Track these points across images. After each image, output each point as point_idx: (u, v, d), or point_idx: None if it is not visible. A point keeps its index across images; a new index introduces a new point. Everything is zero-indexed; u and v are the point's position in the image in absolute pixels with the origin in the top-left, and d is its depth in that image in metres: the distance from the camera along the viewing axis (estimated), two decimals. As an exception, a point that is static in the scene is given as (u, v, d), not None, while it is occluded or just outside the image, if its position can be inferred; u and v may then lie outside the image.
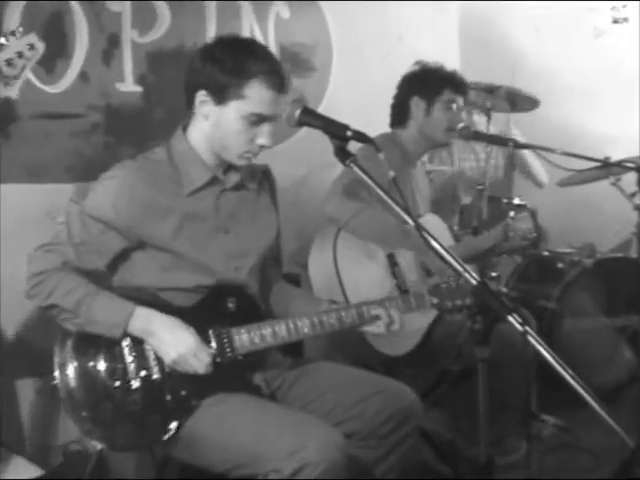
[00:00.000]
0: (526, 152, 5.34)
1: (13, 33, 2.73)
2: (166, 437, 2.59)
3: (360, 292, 3.30)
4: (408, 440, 2.83)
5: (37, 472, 3.43)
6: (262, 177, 3.03)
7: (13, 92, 2.70)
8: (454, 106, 3.90)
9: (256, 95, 2.63)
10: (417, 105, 3.92)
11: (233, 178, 2.85)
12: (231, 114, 2.66)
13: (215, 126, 2.70)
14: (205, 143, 2.76)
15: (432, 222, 3.89)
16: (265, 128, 2.68)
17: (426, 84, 3.92)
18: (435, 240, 2.18)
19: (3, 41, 2.69)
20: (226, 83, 2.63)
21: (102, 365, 2.59)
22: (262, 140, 2.70)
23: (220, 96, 2.65)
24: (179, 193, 2.73)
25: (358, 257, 3.57)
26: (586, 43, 5.90)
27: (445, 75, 3.93)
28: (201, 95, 2.68)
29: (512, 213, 4.07)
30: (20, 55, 2.73)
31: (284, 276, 3.30)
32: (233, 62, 2.63)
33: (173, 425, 2.59)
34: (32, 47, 2.78)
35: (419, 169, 4.15)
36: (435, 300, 2.98)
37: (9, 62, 2.68)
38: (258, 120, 2.66)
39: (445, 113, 3.89)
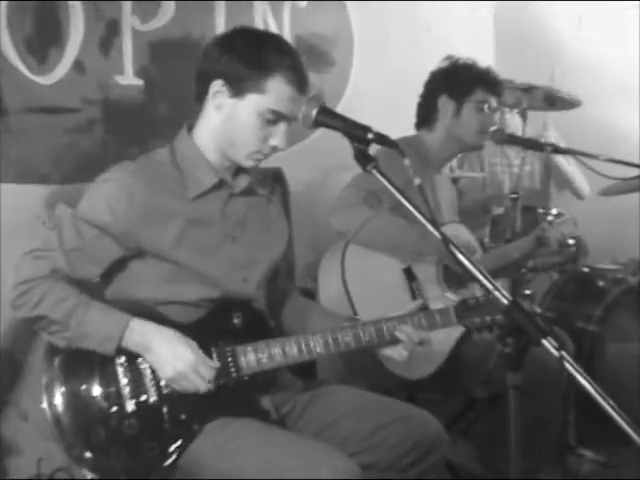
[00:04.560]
0: (564, 161, 5.34)
1: None
2: (165, 464, 2.59)
3: (373, 311, 3.30)
4: (432, 473, 2.83)
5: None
6: (273, 182, 3.04)
7: None
8: (486, 107, 3.90)
9: (277, 91, 2.65)
10: (445, 105, 3.92)
11: (242, 182, 2.87)
12: (247, 108, 2.68)
13: (227, 120, 2.72)
14: (213, 141, 2.77)
15: (457, 232, 3.88)
16: (280, 128, 2.71)
17: (456, 82, 3.90)
18: (462, 253, 2.19)
19: None
20: (246, 74, 2.65)
21: (93, 387, 2.59)
22: (275, 141, 2.72)
23: (238, 88, 2.67)
24: (183, 197, 2.75)
25: (369, 272, 3.57)
26: (634, 38, 5.89)
27: (478, 73, 3.92)
28: (217, 85, 2.69)
29: (550, 217, 4.08)
30: None
31: (305, 292, 3.31)
32: (256, 53, 2.66)
33: (173, 448, 2.60)
34: None
35: (444, 175, 4.15)
36: (462, 317, 2.99)
37: None
38: (274, 118, 2.68)
39: (476, 115, 3.89)
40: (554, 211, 4.28)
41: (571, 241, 4.32)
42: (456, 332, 3.62)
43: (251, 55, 2.66)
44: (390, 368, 3.43)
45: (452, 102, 3.90)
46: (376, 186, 3.46)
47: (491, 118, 3.94)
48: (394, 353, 2.93)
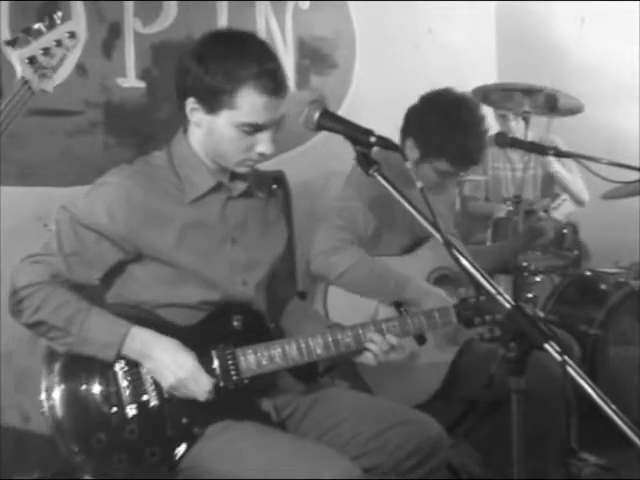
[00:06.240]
0: (563, 170, 5.36)
1: (51, 19, 2.66)
2: (167, 468, 2.59)
3: None
4: (434, 476, 2.83)
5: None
6: (274, 185, 3.02)
7: (50, 85, 2.63)
8: (447, 175, 3.68)
9: (248, 103, 2.61)
10: (411, 149, 3.65)
11: (240, 186, 2.85)
12: (223, 123, 2.65)
13: (208, 134, 2.71)
14: (202, 151, 2.77)
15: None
16: (263, 136, 2.67)
17: (427, 139, 3.62)
18: (466, 258, 2.19)
19: (42, 27, 2.61)
20: (215, 91, 2.62)
21: (94, 391, 2.59)
22: (261, 148, 2.68)
23: (210, 105, 2.65)
24: (181, 200, 2.74)
25: (355, 312, 3.53)
26: (636, 39, 5.88)
27: (452, 145, 3.56)
28: (191, 102, 2.68)
29: (542, 214, 4.05)
30: (59, 44, 2.61)
31: (298, 294, 3.29)
32: (221, 68, 2.62)
33: (174, 453, 2.60)
34: (72, 35, 2.66)
35: None
36: (462, 316, 2.99)
37: (47, 51, 2.60)
38: (253, 130, 2.65)
39: (433, 174, 3.64)
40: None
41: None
42: (451, 352, 3.62)
43: (217, 70, 2.61)
44: (389, 397, 3.43)
45: (417, 151, 3.64)
46: (353, 219, 3.43)
47: (448, 181, 3.74)
48: (364, 358, 2.90)
